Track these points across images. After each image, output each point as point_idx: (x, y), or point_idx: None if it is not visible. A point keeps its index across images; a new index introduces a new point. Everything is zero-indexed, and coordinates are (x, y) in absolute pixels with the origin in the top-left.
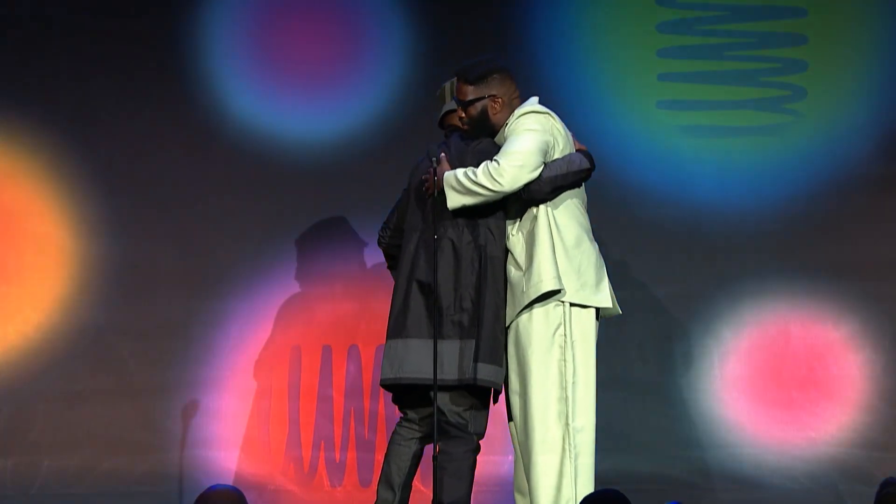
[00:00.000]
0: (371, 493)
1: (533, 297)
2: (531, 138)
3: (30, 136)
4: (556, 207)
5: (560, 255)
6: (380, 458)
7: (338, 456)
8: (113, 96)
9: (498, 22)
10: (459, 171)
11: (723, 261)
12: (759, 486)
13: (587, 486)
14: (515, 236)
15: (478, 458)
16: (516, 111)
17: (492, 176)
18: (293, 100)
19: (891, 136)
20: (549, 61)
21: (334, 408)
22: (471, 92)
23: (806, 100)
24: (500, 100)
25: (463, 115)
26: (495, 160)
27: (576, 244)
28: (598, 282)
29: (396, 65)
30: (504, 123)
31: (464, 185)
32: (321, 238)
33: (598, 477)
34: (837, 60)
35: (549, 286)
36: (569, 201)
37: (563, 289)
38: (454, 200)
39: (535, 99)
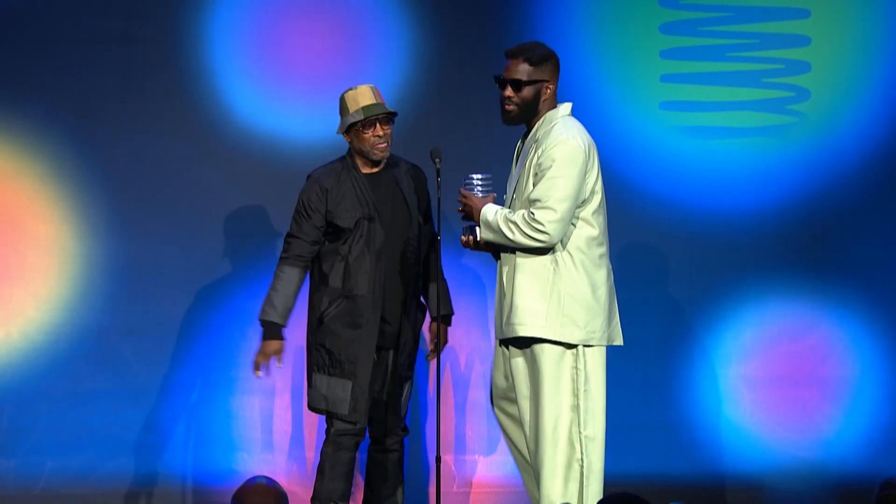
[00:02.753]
0: None
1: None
2: (569, 186)
3: (31, 137)
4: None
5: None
6: None
7: None
8: (115, 97)
9: (501, 23)
10: (500, 215)
11: (725, 262)
12: (762, 487)
13: (597, 495)
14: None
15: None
16: (556, 119)
17: (533, 236)
18: (296, 100)
19: (894, 136)
20: None
21: None
22: (529, 73)
23: (809, 101)
24: (550, 88)
25: (512, 94)
26: (535, 214)
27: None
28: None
29: (400, 65)
30: (542, 116)
31: (505, 235)
32: None
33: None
34: (840, 61)
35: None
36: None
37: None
38: (487, 237)
39: (568, 106)
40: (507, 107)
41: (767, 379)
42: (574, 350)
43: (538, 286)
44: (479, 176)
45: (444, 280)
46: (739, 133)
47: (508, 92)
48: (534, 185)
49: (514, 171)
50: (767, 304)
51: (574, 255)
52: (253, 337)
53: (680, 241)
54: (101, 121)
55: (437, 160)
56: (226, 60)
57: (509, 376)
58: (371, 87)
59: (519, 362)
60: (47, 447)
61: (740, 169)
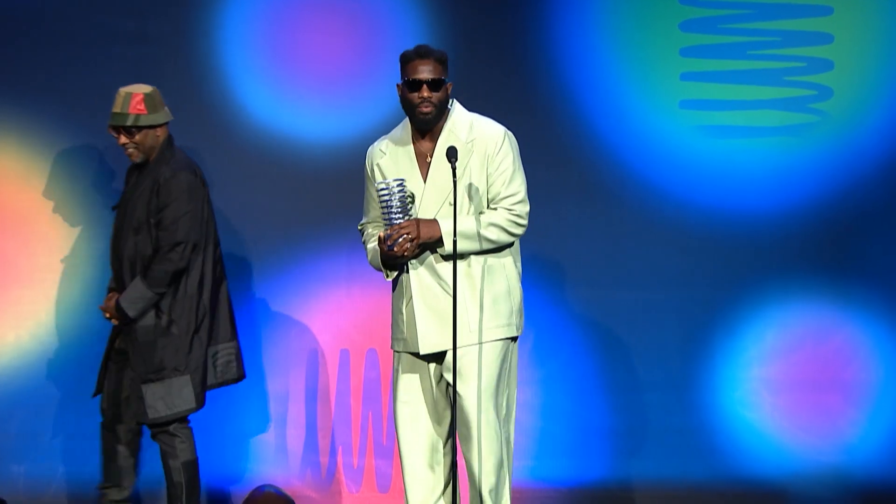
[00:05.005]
0: (389, 498)
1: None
2: (523, 175)
3: (43, 137)
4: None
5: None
6: (398, 463)
7: (356, 462)
8: None
9: (519, 20)
10: (475, 221)
11: (746, 263)
12: (784, 493)
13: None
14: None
15: None
16: (464, 114)
17: (516, 231)
18: (311, 98)
19: None
20: (571, 60)
21: (352, 413)
22: (441, 72)
23: (832, 99)
24: (450, 86)
25: (430, 95)
26: (516, 210)
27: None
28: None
29: None
30: (447, 113)
31: (488, 240)
32: (339, 240)
33: (621, 482)
34: (864, 59)
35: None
36: None
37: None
38: (462, 248)
39: (458, 103)
40: (425, 108)
41: (790, 382)
42: (512, 341)
43: (504, 285)
44: (398, 181)
45: (144, 285)
46: (760, 132)
47: (426, 93)
48: (491, 181)
49: (432, 171)
50: (789, 307)
51: (516, 249)
52: (267, 340)
53: (700, 242)
54: None
55: (454, 160)
56: (239, 59)
57: (433, 378)
58: (122, 94)
59: (472, 361)
60: (58, 452)
61: (761, 169)
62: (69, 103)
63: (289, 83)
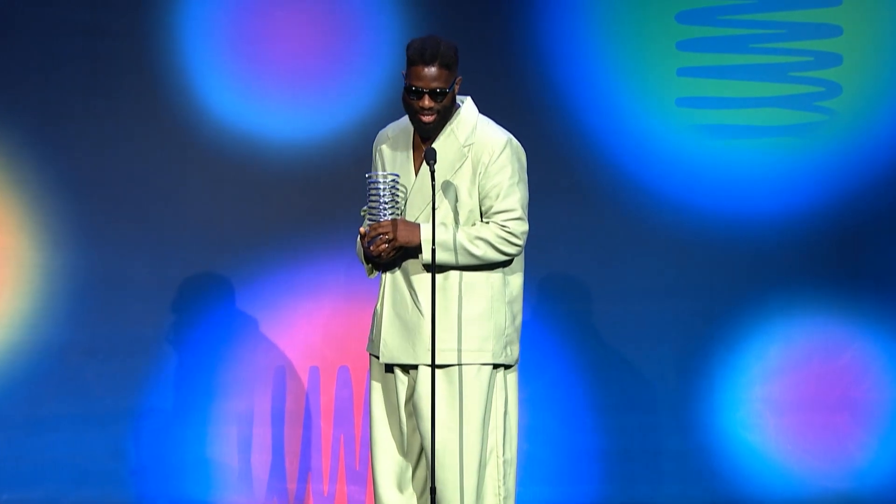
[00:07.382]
0: None
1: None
2: (526, 190)
3: None
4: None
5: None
6: (371, 490)
7: (326, 488)
8: (80, 93)
9: (504, 12)
10: (460, 233)
11: (748, 273)
12: None
13: None
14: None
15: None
16: (473, 117)
17: (507, 251)
18: (278, 98)
19: None
20: (560, 55)
21: (322, 435)
22: (447, 78)
23: (840, 97)
24: (458, 82)
25: (433, 104)
26: (509, 227)
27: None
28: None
29: (388, 61)
30: (453, 113)
31: (471, 254)
32: (308, 248)
33: None
34: (875, 53)
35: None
36: None
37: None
38: (441, 259)
39: (469, 99)
40: (426, 118)
41: (795, 402)
42: (499, 369)
43: (488, 307)
44: (391, 177)
45: None
46: (764, 132)
47: (427, 102)
48: (484, 194)
49: (423, 170)
50: (795, 320)
51: (517, 267)
52: (230, 356)
53: (698, 249)
54: (65, 120)
55: (433, 162)
56: (202, 54)
57: (401, 398)
58: None
59: (439, 384)
60: (4, 478)
61: (764, 171)
62: (16, 100)
63: (255, 79)
